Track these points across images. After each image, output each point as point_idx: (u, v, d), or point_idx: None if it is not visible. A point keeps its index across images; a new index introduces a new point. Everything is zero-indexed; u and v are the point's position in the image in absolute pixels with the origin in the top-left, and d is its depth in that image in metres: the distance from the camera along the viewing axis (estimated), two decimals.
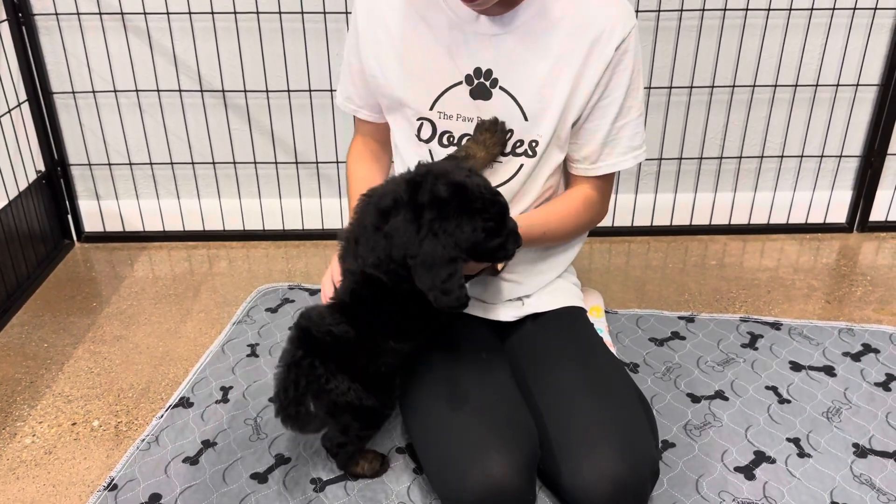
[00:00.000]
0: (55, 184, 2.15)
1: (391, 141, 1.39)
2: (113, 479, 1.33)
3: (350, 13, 1.34)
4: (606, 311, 1.74)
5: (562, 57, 1.21)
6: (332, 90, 2.03)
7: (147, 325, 1.81)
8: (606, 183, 1.35)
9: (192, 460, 1.37)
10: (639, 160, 1.32)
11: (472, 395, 1.16)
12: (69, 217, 2.21)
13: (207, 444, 1.40)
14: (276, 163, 2.16)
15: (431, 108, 1.27)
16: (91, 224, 2.24)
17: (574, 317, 1.37)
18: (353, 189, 1.36)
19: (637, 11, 1.97)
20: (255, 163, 2.16)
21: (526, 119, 1.25)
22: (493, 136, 1.24)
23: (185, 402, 1.52)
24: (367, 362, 1.19)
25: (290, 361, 1.18)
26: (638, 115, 1.28)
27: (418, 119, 1.28)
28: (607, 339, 1.51)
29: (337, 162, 2.14)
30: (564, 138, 1.27)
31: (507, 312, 1.36)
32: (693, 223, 2.24)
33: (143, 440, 1.42)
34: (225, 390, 1.55)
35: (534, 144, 1.26)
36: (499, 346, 1.32)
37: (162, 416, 1.48)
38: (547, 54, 1.21)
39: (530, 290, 1.38)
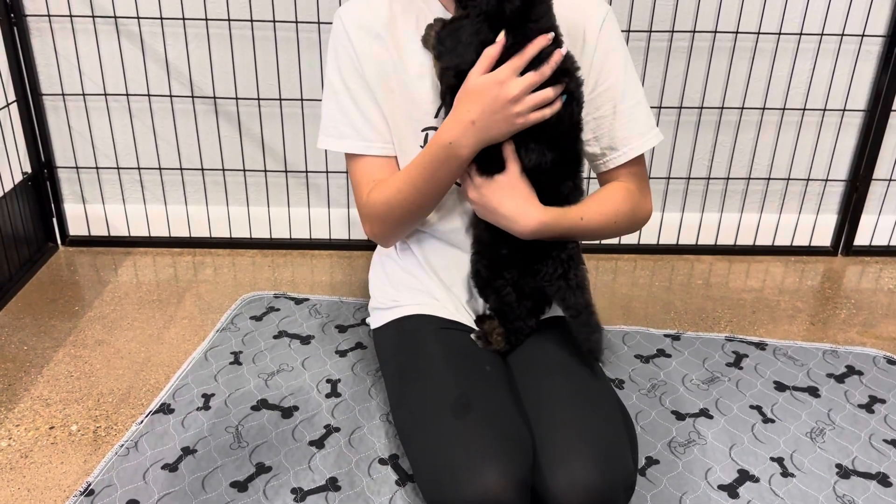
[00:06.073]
0: (41, 186, 2.13)
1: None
2: (90, 485, 1.31)
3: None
4: None
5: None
6: None
7: (129, 330, 1.79)
8: (638, 171, 1.31)
9: (172, 467, 1.35)
10: (659, 138, 1.30)
11: (474, 406, 1.15)
12: (54, 220, 2.19)
13: (187, 451, 1.38)
14: (265, 171, 2.15)
15: (436, 116, 1.28)
16: (76, 228, 2.22)
17: (564, 327, 1.36)
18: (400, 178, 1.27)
19: (629, 31, 1.99)
20: (244, 170, 2.15)
21: None
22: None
23: (165, 409, 1.50)
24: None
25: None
26: (642, 95, 1.29)
27: (423, 130, 1.29)
28: None
29: (326, 172, 2.14)
30: None
31: None
32: (680, 242, 2.25)
33: (122, 446, 1.40)
34: (206, 397, 1.53)
35: None
36: (500, 359, 1.32)
37: (142, 421, 1.46)
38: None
39: None
